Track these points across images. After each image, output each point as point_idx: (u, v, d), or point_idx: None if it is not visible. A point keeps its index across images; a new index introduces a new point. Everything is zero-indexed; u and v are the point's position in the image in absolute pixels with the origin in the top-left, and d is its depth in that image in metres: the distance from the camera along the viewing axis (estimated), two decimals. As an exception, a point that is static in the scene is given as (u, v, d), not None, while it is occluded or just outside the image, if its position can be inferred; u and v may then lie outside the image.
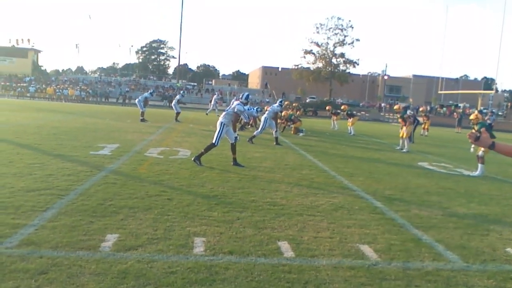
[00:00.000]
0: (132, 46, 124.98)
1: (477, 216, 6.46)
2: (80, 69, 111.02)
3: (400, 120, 16.08)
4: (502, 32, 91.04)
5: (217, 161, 9.82)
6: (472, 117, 11.82)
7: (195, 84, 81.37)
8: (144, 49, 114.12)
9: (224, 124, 9.33)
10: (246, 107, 16.05)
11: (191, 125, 21.42)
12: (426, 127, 25.79)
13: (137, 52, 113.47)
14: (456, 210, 6.74)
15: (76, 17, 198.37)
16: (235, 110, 9.69)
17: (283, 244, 4.60)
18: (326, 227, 5.33)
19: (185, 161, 9.52)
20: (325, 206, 6.37)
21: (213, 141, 9.29)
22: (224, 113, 9.68)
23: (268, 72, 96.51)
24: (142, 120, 20.78)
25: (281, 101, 16.73)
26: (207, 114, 31.56)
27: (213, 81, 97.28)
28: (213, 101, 33.06)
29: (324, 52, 69.70)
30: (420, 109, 35.05)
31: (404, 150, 15.22)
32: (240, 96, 11.77)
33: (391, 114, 56.47)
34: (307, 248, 4.52)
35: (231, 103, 16.84)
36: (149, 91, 24.63)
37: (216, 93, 48.98)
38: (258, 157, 11.17)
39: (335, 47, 69.30)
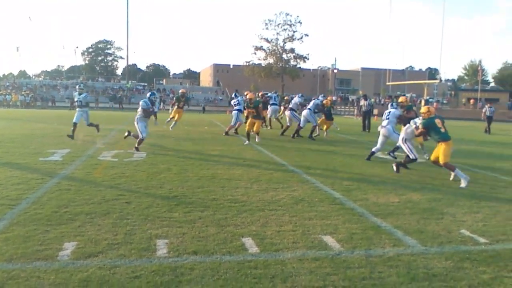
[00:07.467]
0: (77, 47, 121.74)
1: (431, 201, 6.71)
2: (23, 73, 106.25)
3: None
4: (443, 24, 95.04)
5: (174, 161, 9.68)
6: (401, 99, 11.89)
7: (146, 84, 79.81)
8: (90, 50, 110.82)
9: (137, 118, 11.54)
10: (235, 101, 16.32)
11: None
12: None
13: (82, 54, 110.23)
14: (411, 197, 6.96)
15: (15, 19, 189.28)
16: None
17: (247, 240, 4.59)
18: (288, 221, 5.37)
19: (141, 163, 9.32)
20: (285, 200, 6.41)
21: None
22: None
23: (220, 70, 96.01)
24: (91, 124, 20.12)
25: (301, 95, 18.74)
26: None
27: (164, 80, 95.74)
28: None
29: (274, 48, 70.16)
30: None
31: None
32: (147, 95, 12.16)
33: (343, 107, 58.17)
34: (271, 243, 4.53)
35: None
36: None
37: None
38: (216, 154, 11.10)
39: (284, 42, 69.91)
